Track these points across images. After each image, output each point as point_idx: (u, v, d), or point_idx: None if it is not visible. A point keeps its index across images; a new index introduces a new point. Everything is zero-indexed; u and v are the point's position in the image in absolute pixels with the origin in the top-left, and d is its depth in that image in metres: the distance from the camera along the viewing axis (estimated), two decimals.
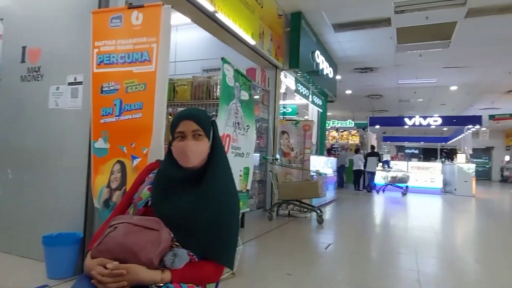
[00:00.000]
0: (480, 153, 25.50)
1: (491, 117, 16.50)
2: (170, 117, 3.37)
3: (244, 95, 3.15)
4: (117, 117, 2.60)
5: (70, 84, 3.04)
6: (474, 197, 11.35)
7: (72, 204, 2.89)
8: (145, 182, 1.39)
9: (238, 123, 3.03)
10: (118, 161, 2.61)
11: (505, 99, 14.20)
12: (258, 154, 6.39)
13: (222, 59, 2.80)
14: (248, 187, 3.24)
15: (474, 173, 11.90)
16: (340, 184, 13.12)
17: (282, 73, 7.20)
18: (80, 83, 3.00)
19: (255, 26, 5.64)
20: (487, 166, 26.40)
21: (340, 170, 13.08)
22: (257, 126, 6.36)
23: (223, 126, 2.82)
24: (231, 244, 1.29)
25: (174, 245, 1.19)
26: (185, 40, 7.27)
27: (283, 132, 6.56)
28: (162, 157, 2.56)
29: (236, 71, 3.01)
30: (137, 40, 2.59)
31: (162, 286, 1.12)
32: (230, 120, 2.91)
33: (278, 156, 6.50)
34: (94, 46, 2.70)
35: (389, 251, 4.18)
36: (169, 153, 1.35)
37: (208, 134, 1.31)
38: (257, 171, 6.32)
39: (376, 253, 4.13)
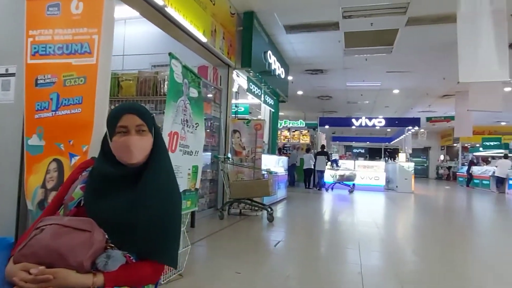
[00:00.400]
0: (419, 153, 27.51)
1: (428, 119, 17.84)
2: None
3: (193, 92, 3.08)
4: (54, 112, 2.42)
5: (1, 75, 2.78)
6: (413, 193, 12.19)
7: (2, 206, 2.65)
8: (77, 180, 1.30)
9: (186, 120, 2.96)
10: (55, 160, 2.43)
11: (440, 102, 15.43)
12: (210, 153, 6.33)
13: (170, 54, 2.71)
14: (197, 186, 3.18)
15: (413, 171, 12.79)
16: (291, 182, 13.42)
17: (235, 72, 7.19)
18: (12, 74, 2.75)
19: (207, 23, 5.57)
20: (425, 165, 28.54)
21: (291, 169, 13.37)
22: (209, 124, 6.30)
23: (171, 123, 2.74)
24: (172, 242, 1.25)
25: (108, 247, 1.12)
26: (135, 34, 7.00)
27: (235, 131, 6.55)
28: None
29: (185, 68, 2.94)
30: (76, 31, 2.43)
31: None
32: (178, 118, 2.83)
33: (229, 155, 6.49)
34: (28, 35, 2.49)
35: (335, 246, 4.34)
36: (103, 149, 1.27)
37: (151, 129, 1.26)
38: (208, 170, 6.25)
39: (324, 249, 4.27)
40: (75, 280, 1.03)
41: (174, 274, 2.84)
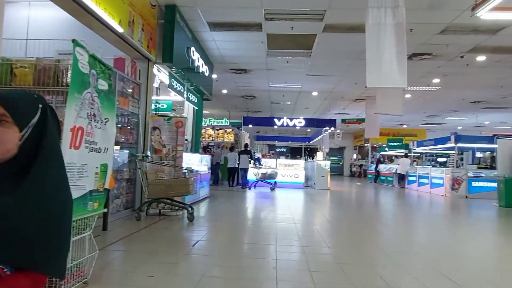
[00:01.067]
0: (335, 152, 29.64)
1: (343, 120, 19.29)
2: None
3: (103, 85, 2.85)
4: None
5: None
6: (329, 190, 13.05)
7: None
8: None
9: (94, 115, 2.72)
10: None
11: (353, 106, 16.78)
12: (127, 151, 5.97)
13: (73, 41, 2.46)
14: (106, 186, 2.94)
15: (329, 169, 13.69)
16: (215, 181, 13.37)
17: (155, 67, 6.88)
18: None
19: (124, 13, 5.23)
20: (340, 163, 30.85)
21: (216, 167, 13.32)
22: (126, 120, 5.94)
23: (74, 117, 2.49)
24: (56, 249, 1.10)
25: None
26: (42, 18, 6.27)
27: (154, 128, 6.27)
28: None
29: (92, 57, 2.69)
30: None
31: None
32: (83, 112, 2.59)
33: (148, 153, 6.19)
34: None
35: (254, 244, 4.41)
36: None
37: (19, 120, 1.08)
38: (125, 169, 5.89)
39: (243, 246, 4.30)
40: None
41: (78, 282, 2.59)
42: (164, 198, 5.73)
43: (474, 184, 11.91)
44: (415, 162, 18.05)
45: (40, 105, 1.13)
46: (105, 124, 2.89)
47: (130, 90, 5.96)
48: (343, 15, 6.92)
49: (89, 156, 2.70)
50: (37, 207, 1.05)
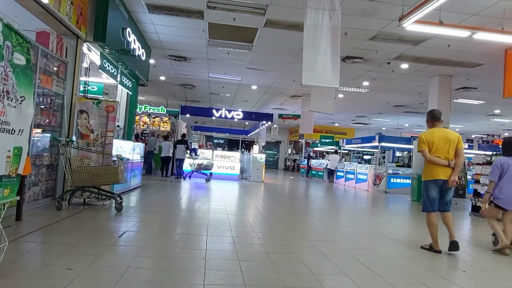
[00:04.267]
0: (271, 146, 30.43)
1: (280, 116, 19.83)
2: None
3: (19, 59, 2.56)
4: None
5: None
6: (263, 182, 13.37)
7: None
8: None
9: (7, 92, 2.45)
10: None
11: (290, 102, 17.33)
12: (49, 135, 5.47)
13: None
14: (20, 172, 2.67)
15: (264, 162, 14.01)
16: (148, 170, 12.91)
17: (85, 45, 6.38)
18: None
19: None
20: (276, 157, 31.75)
21: (149, 156, 12.86)
22: (49, 101, 5.43)
23: None
24: None
25: None
26: None
27: (81, 111, 5.83)
28: None
29: (7, 27, 2.41)
30: None
31: None
32: None
33: (74, 138, 5.75)
34: None
35: (185, 235, 4.35)
36: None
37: None
38: (46, 154, 5.41)
39: (173, 237, 4.23)
40: None
41: None
42: (90, 186, 5.38)
43: (392, 180, 13.09)
44: (343, 159, 19.28)
45: None
46: (20, 103, 2.61)
47: (55, 68, 5.46)
48: (285, 12, 7.07)
49: (1, 137, 2.42)
50: None
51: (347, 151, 21.43)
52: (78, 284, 2.45)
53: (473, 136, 24.29)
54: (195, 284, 2.64)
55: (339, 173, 16.40)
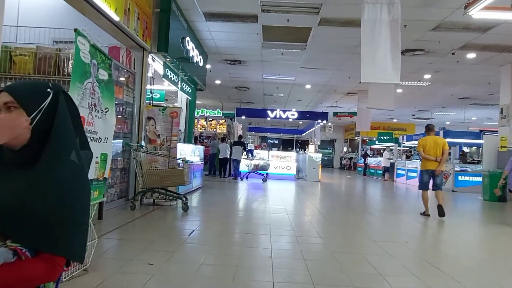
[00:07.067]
0: (326, 145, 29.89)
1: (335, 114, 19.44)
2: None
3: (103, 75, 2.86)
4: None
5: None
6: (320, 182, 13.22)
7: None
8: None
9: (95, 104, 2.75)
10: None
11: (345, 99, 16.92)
12: (121, 140, 5.97)
13: (76, 30, 2.47)
14: (106, 175, 2.98)
15: (320, 162, 13.85)
16: (212, 171, 13.40)
17: (150, 56, 6.85)
18: None
19: (120, 1, 5.19)
20: (331, 156, 31.15)
21: (212, 158, 13.35)
22: (121, 110, 5.92)
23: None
24: (75, 233, 1.15)
25: None
26: (34, 3, 6.15)
27: (149, 118, 6.28)
28: None
29: (93, 47, 2.71)
30: None
31: None
32: (84, 101, 2.61)
33: (143, 143, 6.20)
34: None
35: (248, 233, 4.50)
36: None
37: (27, 106, 1.11)
38: (119, 159, 5.89)
39: (237, 236, 4.40)
40: None
41: (78, 269, 2.65)
42: (159, 188, 5.77)
43: (460, 178, 12.20)
44: (403, 156, 18.36)
45: (50, 91, 1.17)
46: (105, 114, 2.91)
47: (124, 80, 5.94)
48: (339, 9, 6.96)
49: (90, 145, 2.72)
50: (48, 190, 1.08)
51: (407, 148, 20.37)
52: (159, 278, 2.67)
53: None
54: (264, 282, 2.73)
55: (399, 171, 15.66)
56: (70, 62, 2.80)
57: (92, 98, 2.71)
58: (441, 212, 5.97)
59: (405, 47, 8.86)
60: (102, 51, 2.90)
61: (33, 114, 1.11)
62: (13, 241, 1.05)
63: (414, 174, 14.19)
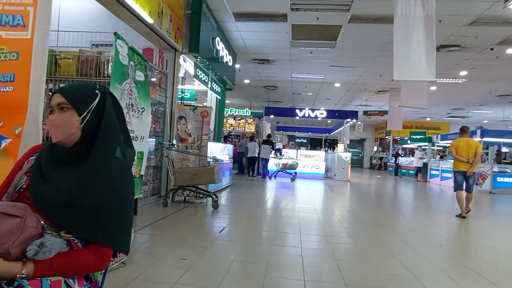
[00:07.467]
0: (355, 144, 29.32)
1: (365, 112, 19.03)
2: (50, 93, 2.95)
3: (140, 76, 2.98)
4: None
5: None
6: (349, 181, 13.01)
7: None
8: (24, 167, 1.23)
9: (132, 104, 2.86)
10: None
11: (376, 97, 16.53)
12: (154, 139, 6.15)
13: (115, 34, 2.58)
14: (142, 172, 3.10)
15: (350, 161, 13.62)
16: (241, 170, 13.52)
17: (181, 57, 7.01)
18: None
19: (154, 4, 5.35)
20: (360, 155, 30.52)
21: (240, 157, 13.47)
22: (154, 110, 6.10)
23: None
24: (122, 226, 1.22)
25: (46, 233, 1.08)
26: (73, 8, 6.47)
27: (180, 117, 6.43)
28: (39, 138, 2.27)
29: (131, 49, 2.82)
30: (8, 0, 2.21)
31: (16, 280, 1.00)
32: (123, 101, 2.73)
33: (174, 142, 6.36)
34: None
35: (278, 231, 4.52)
36: None
37: (78, 106, 1.19)
38: (152, 157, 6.08)
39: (267, 234, 4.43)
40: (0, 267, 0.99)
41: (116, 262, 2.77)
42: (190, 186, 5.90)
43: (499, 179, 11.62)
44: (438, 156, 17.70)
45: (97, 92, 1.24)
46: (141, 114, 3.03)
47: (157, 80, 6.12)
48: (370, 6, 6.81)
49: None
50: (97, 186, 1.16)
51: (441, 148, 19.61)
52: (193, 272, 2.75)
53: None
54: (296, 280, 2.74)
55: (433, 172, 15.11)
56: (110, 64, 2.93)
57: (129, 98, 2.83)
58: (460, 216, 6.20)
59: (439, 43, 8.55)
60: (140, 53, 3.02)
61: (83, 114, 1.19)
62: (66, 232, 1.13)
63: (449, 175, 13.65)
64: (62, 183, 1.14)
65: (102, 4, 4.77)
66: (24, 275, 1.01)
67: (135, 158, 2.97)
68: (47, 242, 1.04)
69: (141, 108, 3.02)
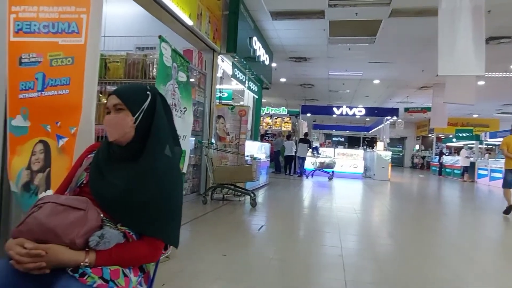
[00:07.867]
0: (396, 142, 28.27)
1: (406, 109, 18.31)
2: (101, 95, 3.16)
3: (182, 77, 3.08)
4: (40, 93, 2.37)
5: None
6: (389, 181, 12.60)
7: None
8: (83, 164, 1.34)
9: (175, 105, 2.97)
10: (41, 141, 2.40)
11: (418, 94, 15.85)
12: (193, 138, 6.32)
13: (160, 37, 2.69)
14: (184, 170, 3.21)
15: (390, 160, 13.18)
16: (278, 169, 13.54)
17: (219, 57, 7.14)
18: None
19: (193, 6, 5.49)
20: (401, 154, 29.41)
21: (277, 155, 13.48)
22: (193, 109, 6.26)
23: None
24: (171, 220, 1.29)
25: (105, 225, 1.16)
26: (117, 13, 6.79)
27: (219, 117, 6.56)
28: (92, 138, 2.42)
29: (174, 51, 2.92)
30: (63, 9, 2.37)
31: (80, 268, 1.08)
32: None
33: (213, 140, 6.50)
34: (11, 11, 2.41)
35: (316, 230, 4.49)
36: None
37: (132, 107, 1.26)
38: (192, 155, 6.25)
39: (305, 233, 4.41)
40: (66, 256, 1.07)
41: (161, 256, 2.89)
42: (228, 184, 6.00)
43: None
44: (486, 155, 16.66)
45: (149, 93, 1.31)
46: (183, 113, 3.13)
47: (196, 80, 6.28)
48: None
49: None
50: (149, 182, 1.23)
51: (490, 146, 18.44)
52: (233, 269, 2.81)
53: None
54: (336, 280, 2.72)
55: (481, 171, 14.25)
56: (154, 66, 3.06)
57: (172, 98, 2.94)
58: (507, 210, 6.20)
59: (488, 35, 8.04)
60: (182, 55, 3.12)
61: (137, 114, 1.26)
62: (122, 225, 1.20)
63: (499, 175, 12.80)
64: (117, 179, 1.22)
65: (144, 8, 4.98)
66: (87, 263, 1.09)
67: None
68: (106, 234, 1.12)
69: (184, 108, 3.12)
